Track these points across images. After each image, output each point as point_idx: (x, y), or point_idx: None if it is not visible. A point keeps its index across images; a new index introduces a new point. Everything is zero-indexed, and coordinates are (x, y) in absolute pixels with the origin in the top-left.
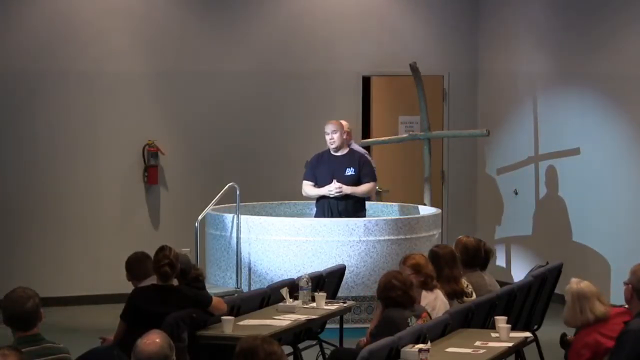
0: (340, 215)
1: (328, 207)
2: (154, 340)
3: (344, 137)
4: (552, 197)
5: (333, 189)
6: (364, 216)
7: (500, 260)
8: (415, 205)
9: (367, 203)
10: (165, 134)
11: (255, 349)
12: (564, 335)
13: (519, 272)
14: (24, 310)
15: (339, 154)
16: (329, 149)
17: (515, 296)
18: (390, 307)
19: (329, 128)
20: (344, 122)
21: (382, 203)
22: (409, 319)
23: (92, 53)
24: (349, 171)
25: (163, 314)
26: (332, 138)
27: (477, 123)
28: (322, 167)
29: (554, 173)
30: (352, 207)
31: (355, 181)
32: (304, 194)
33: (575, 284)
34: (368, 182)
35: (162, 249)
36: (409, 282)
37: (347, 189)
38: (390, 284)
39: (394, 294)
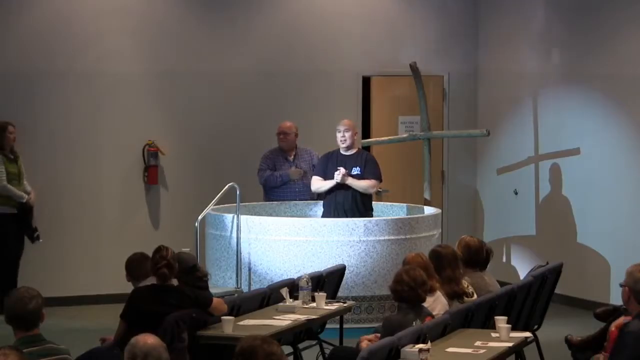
0: (345, 215)
1: (334, 207)
2: (148, 337)
3: (354, 137)
4: (552, 197)
5: (338, 173)
6: (371, 216)
7: (500, 261)
8: (417, 205)
9: None
10: (165, 134)
11: (255, 349)
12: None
13: (519, 272)
14: (26, 309)
15: (347, 153)
16: (338, 148)
17: (515, 296)
18: (397, 301)
19: (342, 127)
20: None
21: (382, 203)
22: (414, 323)
23: (92, 53)
24: (355, 170)
25: (163, 314)
26: (343, 137)
27: (477, 123)
28: (331, 165)
29: (554, 173)
30: (359, 206)
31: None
32: (313, 189)
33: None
34: (369, 179)
35: (158, 249)
36: (419, 279)
37: (350, 179)
38: (399, 278)
39: (400, 288)
